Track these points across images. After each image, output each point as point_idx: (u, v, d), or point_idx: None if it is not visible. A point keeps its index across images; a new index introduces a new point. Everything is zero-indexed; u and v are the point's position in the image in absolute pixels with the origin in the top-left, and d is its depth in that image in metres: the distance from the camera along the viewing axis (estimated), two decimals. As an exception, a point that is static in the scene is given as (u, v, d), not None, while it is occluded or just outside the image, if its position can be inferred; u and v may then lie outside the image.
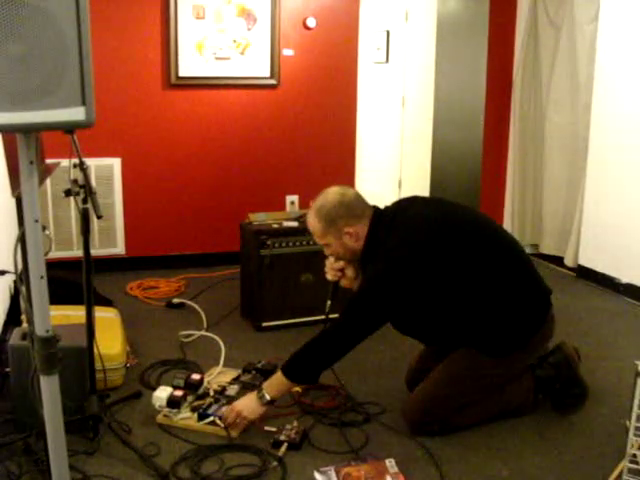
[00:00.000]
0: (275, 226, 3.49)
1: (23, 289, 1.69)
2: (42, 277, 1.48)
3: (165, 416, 2.52)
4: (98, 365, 2.46)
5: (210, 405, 2.55)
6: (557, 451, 2.38)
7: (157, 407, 2.54)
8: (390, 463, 2.26)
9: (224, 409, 2.51)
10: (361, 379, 2.91)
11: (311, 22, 4.51)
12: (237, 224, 3.77)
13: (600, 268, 4.25)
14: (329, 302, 2.62)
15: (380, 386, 2.86)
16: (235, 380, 2.80)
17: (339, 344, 2.39)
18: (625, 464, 2.12)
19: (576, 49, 4.43)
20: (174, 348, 3.24)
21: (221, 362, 3.01)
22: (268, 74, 4.49)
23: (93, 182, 2.22)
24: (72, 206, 4.22)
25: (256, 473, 2.21)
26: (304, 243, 3.48)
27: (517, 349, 2.46)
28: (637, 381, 2.08)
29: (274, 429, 2.44)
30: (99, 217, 2.07)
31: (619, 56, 4.02)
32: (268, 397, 2.41)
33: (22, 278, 2.40)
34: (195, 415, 2.51)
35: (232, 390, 2.68)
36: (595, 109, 4.23)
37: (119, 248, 4.45)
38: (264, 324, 3.48)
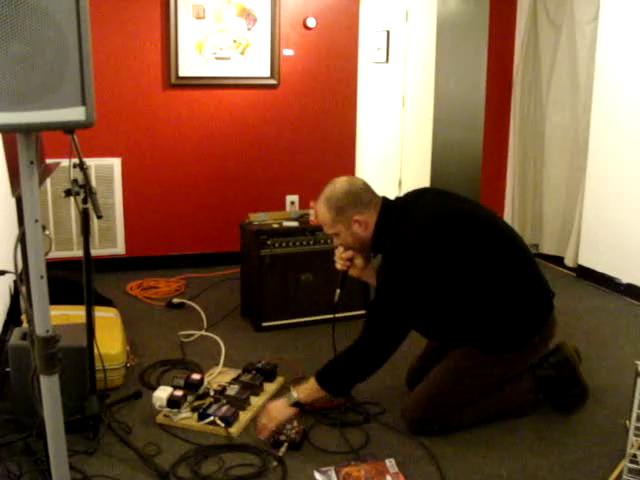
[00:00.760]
0: (275, 226, 3.49)
1: (23, 289, 1.69)
2: (42, 277, 1.48)
3: (165, 416, 2.52)
4: (98, 365, 2.46)
5: (210, 405, 2.55)
6: (557, 451, 2.38)
7: (157, 407, 2.54)
8: (390, 463, 2.26)
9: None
10: (361, 379, 2.91)
11: (311, 22, 4.51)
12: (237, 224, 3.77)
13: (600, 268, 4.25)
14: (338, 291, 2.62)
15: (380, 386, 2.86)
16: (235, 380, 2.80)
17: (373, 356, 2.36)
18: (625, 464, 2.12)
19: (576, 49, 4.43)
20: (174, 348, 3.24)
21: (221, 362, 3.01)
22: (268, 74, 4.49)
23: (93, 182, 2.22)
24: (72, 206, 4.22)
25: (256, 473, 2.21)
26: (304, 243, 3.48)
27: (517, 349, 2.46)
28: (637, 381, 2.08)
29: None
30: (99, 217, 2.07)
31: (619, 56, 4.01)
32: (295, 396, 2.38)
33: (22, 278, 2.41)
34: (195, 415, 2.52)
35: (232, 390, 2.67)
36: (595, 109, 4.23)
37: (119, 248, 4.45)
38: (264, 324, 3.48)
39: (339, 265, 2.60)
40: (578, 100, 4.47)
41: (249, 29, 4.38)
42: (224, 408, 2.53)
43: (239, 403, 2.60)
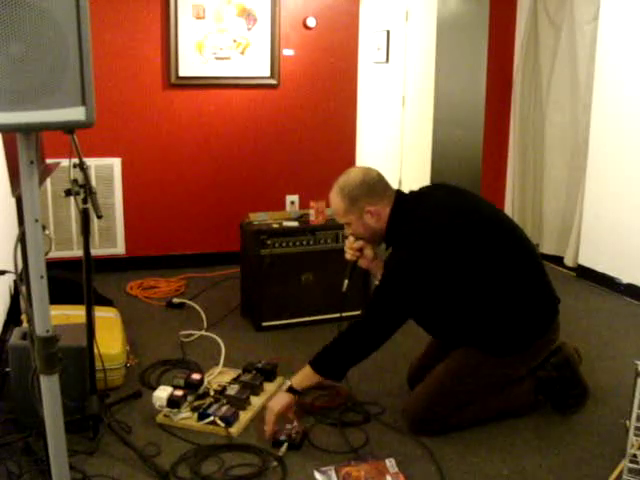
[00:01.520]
0: (275, 226, 3.49)
1: (23, 289, 1.69)
2: (42, 277, 1.48)
3: (165, 416, 2.52)
4: (98, 365, 2.46)
5: (210, 405, 2.55)
6: (557, 451, 2.38)
7: (157, 407, 2.54)
8: (390, 463, 2.26)
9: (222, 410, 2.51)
10: (361, 379, 2.91)
11: (311, 22, 4.51)
12: (237, 224, 3.77)
13: (600, 268, 4.25)
14: (346, 281, 2.62)
15: (380, 386, 2.86)
16: (235, 380, 2.79)
17: (369, 339, 2.38)
18: (625, 464, 2.12)
19: (576, 49, 4.43)
20: (174, 348, 3.24)
21: (221, 362, 3.01)
22: (268, 74, 4.49)
23: (93, 182, 2.22)
24: (72, 206, 4.22)
25: (256, 473, 2.21)
26: (304, 243, 3.48)
27: (520, 351, 2.46)
28: (637, 381, 2.08)
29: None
30: (99, 217, 2.07)
31: (619, 56, 4.01)
32: (289, 383, 2.42)
33: (22, 278, 2.40)
34: (195, 415, 2.52)
35: (232, 390, 2.67)
36: (595, 109, 4.23)
37: (119, 248, 4.45)
38: (264, 324, 3.48)
39: (349, 255, 2.61)
40: (578, 100, 4.47)
41: (249, 29, 4.38)
42: (224, 408, 2.53)
43: (239, 403, 2.60)
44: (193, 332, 3.40)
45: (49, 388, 1.54)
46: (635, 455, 2.13)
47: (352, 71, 4.71)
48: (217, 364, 3.00)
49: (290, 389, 2.42)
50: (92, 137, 4.05)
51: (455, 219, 2.37)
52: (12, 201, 3.49)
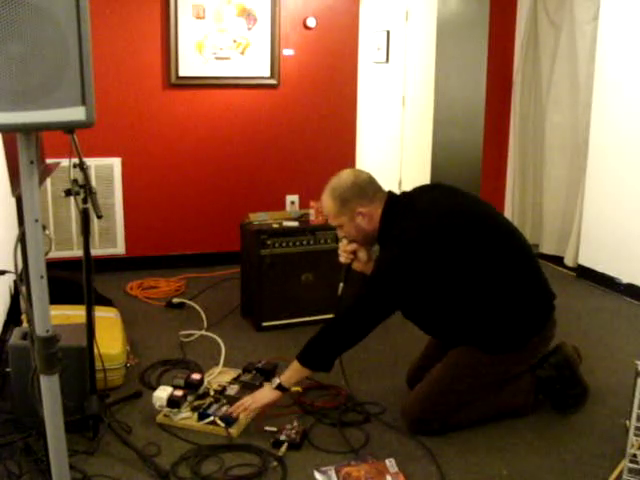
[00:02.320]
0: (275, 226, 3.49)
1: (23, 289, 1.69)
2: (42, 277, 1.48)
3: (165, 416, 2.52)
4: (98, 365, 2.46)
5: (210, 405, 2.56)
6: (557, 451, 2.38)
7: (157, 407, 2.54)
8: (390, 463, 2.26)
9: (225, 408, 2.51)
10: (361, 379, 2.91)
11: (311, 22, 4.51)
12: (237, 224, 3.77)
13: (600, 268, 4.25)
14: (342, 285, 2.62)
15: (380, 386, 2.86)
16: (235, 380, 2.79)
17: (353, 329, 2.40)
18: (625, 464, 2.12)
19: (576, 49, 4.43)
20: (174, 348, 3.24)
21: (221, 362, 3.02)
22: (268, 74, 4.49)
23: (93, 182, 2.22)
24: (72, 206, 4.22)
25: (256, 473, 2.21)
26: (304, 243, 3.48)
27: (517, 349, 2.46)
28: (637, 381, 2.08)
29: (274, 429, 2.44)
30: (99, 217, 2.07)
31: (619, 56, 4.01)
32: (277, 380, 2.44)
33: (22, 278, 2.40)
34: (195, 415, 2.52)
35: (232, 390, 2.68)
36: (595, 109, 4.23)
37: (119, 248, 4.45)
38: (264, 324, 3.48)
39: (342, 258, 2.61)
40: (578, 100, 4.47)
41: (249, 29, 4.38)
42: (224, 408, 2.53)
43: (239, 403, 2.60)
44: (193, 332, 3.40)
45: (49, 388, 1.54)
46: (635, 455, 2.13)
47: (352, 71, 4.70)
48: (217, 364, 3.01)
49: (279, 386, 2.44)
50: (92, 137, 4.05)
51: (443, 219, 2.37)
52: (12, 201, 3.49)
